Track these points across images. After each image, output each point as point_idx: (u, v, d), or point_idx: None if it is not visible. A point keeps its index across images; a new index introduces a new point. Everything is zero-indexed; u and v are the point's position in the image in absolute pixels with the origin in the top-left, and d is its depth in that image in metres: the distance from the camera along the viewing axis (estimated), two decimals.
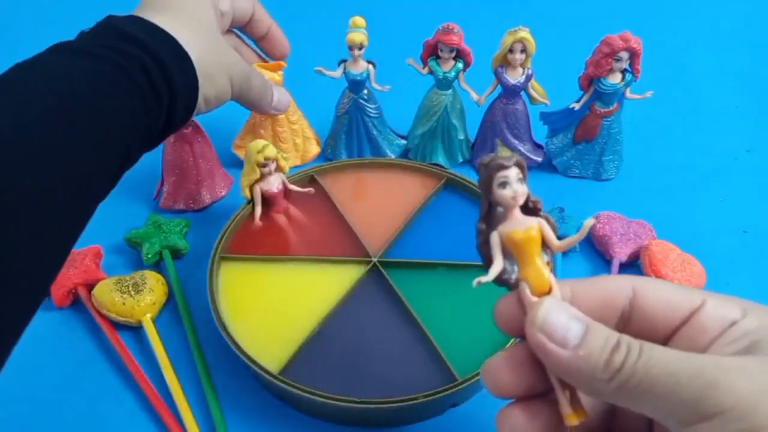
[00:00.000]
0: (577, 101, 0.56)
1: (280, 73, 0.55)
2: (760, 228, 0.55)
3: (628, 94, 0.55)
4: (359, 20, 0.53)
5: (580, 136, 0.58)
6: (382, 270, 0.46)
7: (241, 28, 0.52)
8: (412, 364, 0.41)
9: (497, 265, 0.27)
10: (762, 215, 0.56)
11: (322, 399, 0.38)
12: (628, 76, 0.54)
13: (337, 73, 0.56)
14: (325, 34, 0.66)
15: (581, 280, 0.27)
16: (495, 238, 0.28)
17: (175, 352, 0.45)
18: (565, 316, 0.24)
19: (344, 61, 0.56)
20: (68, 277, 0.47)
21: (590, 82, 0.55)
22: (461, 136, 0.59)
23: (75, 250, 0.48)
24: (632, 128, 0.60)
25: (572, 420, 0.25)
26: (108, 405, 0.42)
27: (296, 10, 0.87)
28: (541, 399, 0.27)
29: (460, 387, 0.39)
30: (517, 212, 0.27)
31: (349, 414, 0.40)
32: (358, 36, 0.53)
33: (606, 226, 0.51)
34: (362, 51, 0.54)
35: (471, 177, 0.54)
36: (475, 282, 0.27)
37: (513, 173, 0.26)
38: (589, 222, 0.26)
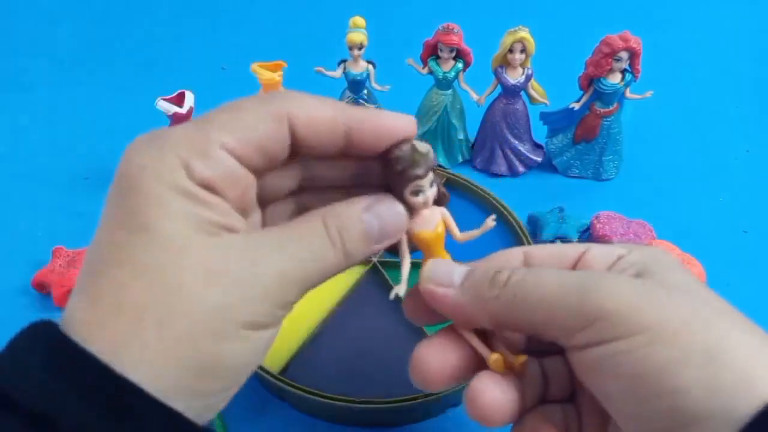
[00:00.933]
0: (577, 101, 0.56)
1: (280, 73, 0.55)
2: (760, 228, 0.55)
3: (628, 94, 0.55)
4: (359, 20, 0.53)
5: (580, 136, 0.58)
6: (382, 270, 0.46)
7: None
8: None
9: (406, 267, 0.27)
10: (762, 215, 0.56)
11: (322, 399, 0.38)
12: (628, 76, 0.54)
13: (337, 73, 0.56)
14: (325, 34, 0.66)
15: (478, 261, 0.28)
16: (403, 236, 0.27)
17: None
18: (449, 264, 0.26)
19: (344, 61, 0.56)
20: (69, 276, 0.47)
21: (590, 82, 0.55)
22: (461, 136, 0.59)
23: (76, 249, 0.49)
24: (632, 128, 0.60)
25: (497, 364, 0.25)
26: None
27: (296, 10, 0.87)
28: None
29: (459, 387, 0.39)
30: (424, 211, 0.27)
31: (349, 414, 0.40)
32: (358, 36, 0.53)
33: (606, 226, 0.51)
34: (362, 51, 0.54)
35: (471, 177, 0.54)
36: (392, 295, 0.27)
37: (427, 181, 0.25)
38: (490, 221, 0.27)
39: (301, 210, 0.27)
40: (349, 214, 0.23)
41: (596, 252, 0.26)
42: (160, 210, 0.20)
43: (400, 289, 0.27)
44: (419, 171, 0.24)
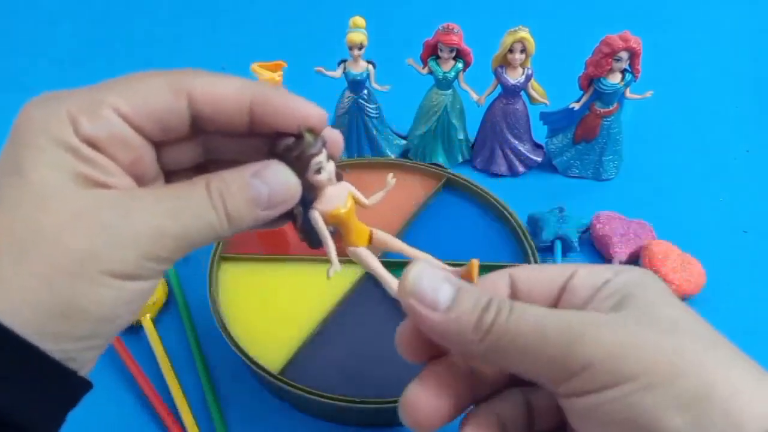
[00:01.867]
0: (577, 101, 0.56)
1: (280, 73, 0.55)
2: (760, 228, 0.55)
3: (628, 94, 0.55)
4: (359, 20, 0.53)
5: (580, 136, 0.58)
6: None
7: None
8: (411, 364, 0.41)
9: (332, 246, 0.29)
10: (762, 215, 0.56)
11: (322, 399, 0.38)
12: (628, 76, 0.54)
13: (337, 73, 0.56)
14: (325, 34, 0.66)
15: (463, 281, 0.27)
16: (317, 217, 0.28)
17: (175, 352, 0.45)
18: (436, 279, 0.24)
19: (344, 61, 0.56)
20: None
21: (590, 82, 0.55)
22: (461, 136, 0.59)
23: None
24: (632, 128, 0.60)
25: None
26: (108, 405, 0.42)
27: (296, 10, 0.87)
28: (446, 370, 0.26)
29: None
30: (329, 189, 0.28)
31: (349, 414, 0.40)
32: (358, 36, 0.53)
33: (606, 226, 0.51)
34: (362, 51, 0.54)
35: (471, 177, 0.54)
36: (330, 274, 0.29)
37: (324, 156, 0.26)
38: (390, 179, 0.29)
39: None
40: (235, 177, 0.24)
41: (582, 275, 0.25)
42: (38, 158, 0.21)
43: (332, 270, 0.29)
44: (314, 149, 0.25)
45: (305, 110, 0.25)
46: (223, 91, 0.24)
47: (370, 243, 0.32)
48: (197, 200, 0.23)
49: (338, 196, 0.29)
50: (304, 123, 0.25)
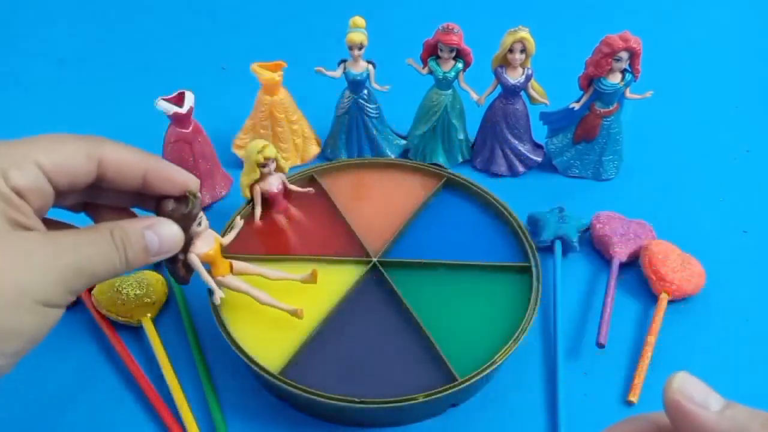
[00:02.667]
0: (577, 101, 0.56)
1: (280, 73, 0.55)
2: (760, 228, 0.55)
3: (628, 94, 0.55)
4: (359, 20, 0.53)
5: (580, 136, 0.58)
6: (382, 270, 0.46)
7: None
8: (412, 364, 0.41)
9: (210, 278, 0.41)
10: (762, 215, 0.56)
11: (322, 399, 0.38)
12: (628, 76, 0.54)
13: (337, 73, 0.56)
14: (325, 34, 0.66)
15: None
16: (196, 260, 0.38)
17: (175, 352, 0.45)
18: (704, 387, 0.24)
19: (344, 61, 0.56)
20: None
21: (590, 82, 0.55)
22: (461, 136, 0.59)
23: None
24: (632, 128, 0.60)
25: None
26: (108, 405, 0.42)
27: (296, 10, 0.87)
28: None
29: (460, 387, 0.39)
30: (204, 234, 0.38)
31: (349, 414, 0.40)
32: (358, 36, 0.53)
33: (606, 226, 0.51)
34: (362, 51, 0.54)
35: (471, 177, 0.54)
36: (217, 300, 0.42)
37: (201, 212, 0.36)
38: (239, 220, 0.42)
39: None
40: (134, 229, 0.30)
41: None
42: None
43: (217, 297, 0.42)
44: (198, 208, 0.35)
45: (186, 179, 0.33)
46: (127, 159, 0.31)
47: (232, 272, 0.42)
48: (105, 246, 0.29)
49: (210, 240, 0.39)
50: (186, 188, 0.33)
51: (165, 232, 0.32)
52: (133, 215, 0.35)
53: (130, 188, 0.32)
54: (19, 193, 0.27)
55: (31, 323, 0.26)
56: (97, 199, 0.33)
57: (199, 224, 0.37)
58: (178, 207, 0.35)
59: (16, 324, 0.26)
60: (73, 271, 0.27)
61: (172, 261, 0.38)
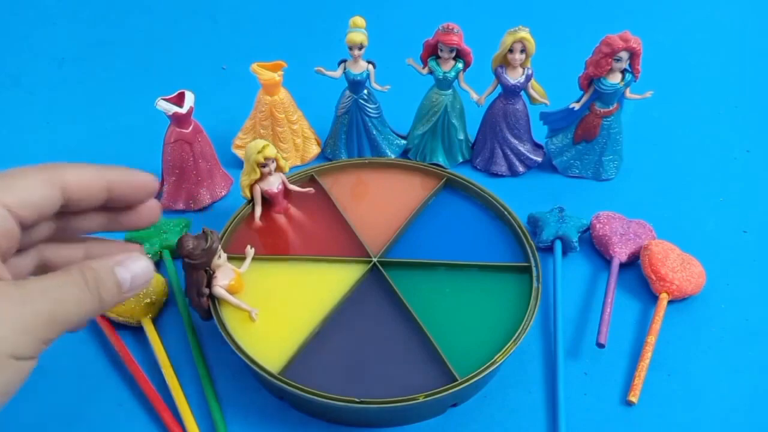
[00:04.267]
0: (577, 101, 0.56)
1: (280, 73, 0.55)
2: (760, 228, 0.55)
3: (628, 94, 0.55)
4: (359, 20, 0.53)
5: (580, 136, 0.58)
6: (382, 270, 0.46)
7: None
8: (412, 364, 0.41)
9: (244, 303, 0.43)
10: (762, 215, 0.56)
11: (322, 399, 0.38)
12: (628, 76, 0.54)
13: (337, 73, 0.56)
14: (325, 34, 0.66)
15: None
16: (223, 292, 0.42)
17: (175, 352, 0.45)
18: None
19: (344, 61, 0.56)
20: None
21: (590, 82, 0.55)
22: (461, 136, 0.59)
23: None
24: (632, 128, 0.60)
25: None
26: (108, 405, 0.42)
27: (296, 10, 0.87)
28: None
29: (460, 387, 0.39)
30: (224, 267, 0.43)
31: (349, 414, 0.40)
32: (358, 36, 0.53)
33: (606, 226, 0.51)
34: (362, 51, 0.54)
35: (471, 177, 0.54)
36: (255, 318, 0.43)
37: (219, 244, 0.41)
38: (250, 249, 0.46)
39: (42, 262, 0.31)
40: (104, 267, 0.28)
41: None
42: None
43: (254, 315, 0.43)
44: (216, 244, 0.40)
45: (145, 180, 0.31)
46: (88, 177, 0.29)
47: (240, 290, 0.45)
48: (76, 289, 0.26)
49: (228, 275, 0.42)
50: (146, 189, 0.31)
51: (136, 268, 0.29)
52: (102, 241, 0.33)
53: (97, 205, 0.30)
54: None
55: (5, 378, 0.24)
56: (63, 230, 0.31)
57: (219, 257, 0.41)
58: (199, 243, 0.38)
59: None
60: (44, 320, 0.25)
61: (198, 295, 0.41)
